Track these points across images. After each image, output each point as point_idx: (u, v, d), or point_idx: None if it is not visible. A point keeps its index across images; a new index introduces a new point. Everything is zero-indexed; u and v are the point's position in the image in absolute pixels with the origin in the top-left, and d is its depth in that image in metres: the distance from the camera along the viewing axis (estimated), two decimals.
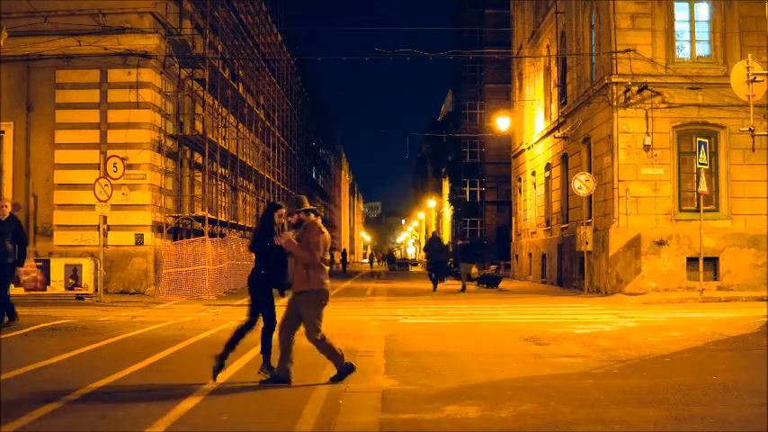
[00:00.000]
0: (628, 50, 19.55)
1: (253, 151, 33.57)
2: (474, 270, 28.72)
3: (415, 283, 28.29)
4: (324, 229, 7.47)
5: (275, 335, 7.52)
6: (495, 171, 48.15)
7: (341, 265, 57.21)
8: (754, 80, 13.87)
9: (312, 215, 7.49)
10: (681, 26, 20.19)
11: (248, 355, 9.08)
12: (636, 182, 19.62)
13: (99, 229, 18.70)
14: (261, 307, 7.62)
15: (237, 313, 15.23)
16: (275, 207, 7.75)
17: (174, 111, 23.03)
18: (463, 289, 23.66)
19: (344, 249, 70.20)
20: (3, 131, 20.63)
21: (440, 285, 24.23)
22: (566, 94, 25.43)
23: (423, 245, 31.71)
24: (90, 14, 20.32)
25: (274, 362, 7.48)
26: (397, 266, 56.23)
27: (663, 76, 19.61)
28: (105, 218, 18.29)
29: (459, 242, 30.72)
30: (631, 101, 19.61)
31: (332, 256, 61.04)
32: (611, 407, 6.32)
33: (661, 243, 19.30)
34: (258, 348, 9.74)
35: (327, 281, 7.43)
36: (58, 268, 18.26)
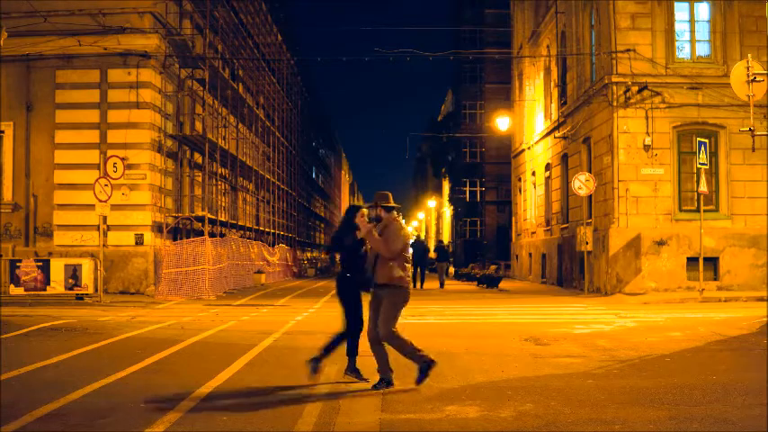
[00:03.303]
0: (628, 50, 19.55)
1: (253, 151, 33.58)
2: (452, 270, 32.39)
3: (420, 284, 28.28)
4: (405, 228, 7.38)
5: (364, 340, 7.45)
6: (495, 171, 48.10)
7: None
8: (754, 80, 13.87)
9: (394, 213, 7.40)
10: (681, 26, 20.19)
11: (248, 356, 9.09)
12: (636, 182, 19.62)
13: (99, 229, 18.71)
14: (352, 310, 7.52)
15: (237, 313, 15.24)
16: (356, 209, 7.59)
17: (173, 111, 23.03)
18: (441, 285, 26.09)
19: None
20: (3, 131, 20.64)
21: (427, 284, 26.41)
22: (566, 94, 25.43)
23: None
24: (90, 14, 20.33)
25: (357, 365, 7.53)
26: None
27: (663, 76, 19.61)
28: (105, 218, 18.29)
29: (441, 243, 32.46)
30: (631, 101, 19.61)
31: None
32: (611, 407, 6.32)
33: (661, 243, 19.30)
34: (257, 351, 9.75)
35: (408, 279, 7.34)
36: (57, 268, 18.23)
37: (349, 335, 7.58)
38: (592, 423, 5.83)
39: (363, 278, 7.35)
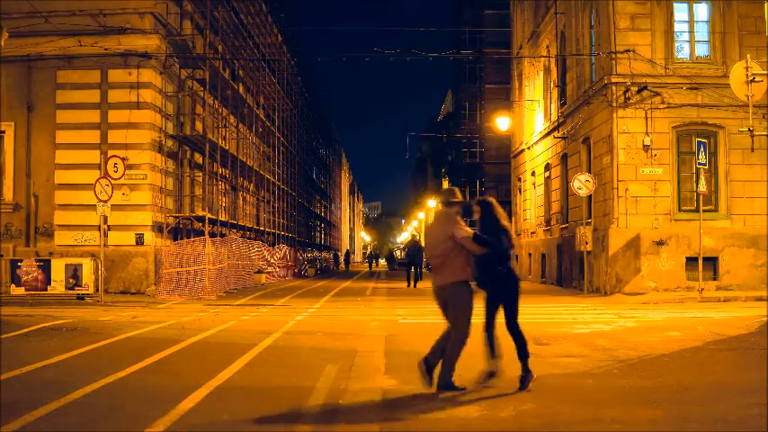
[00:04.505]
0: (627, 51, 19.56)
1: (253, 151, 33.60)
2: None
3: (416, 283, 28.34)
4: (437, 222, 7.17)
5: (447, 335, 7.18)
6: (494, 171, 48.07)
7: (344, 265, 57.62)
8: (753, 80, 13.92)
9: (449, 208, 7.15)
10: (680, 26, 20.20)
11: (248, 355, 9.10)
12: (635, 182, 19.64)
13: (99, 229, 18.73)
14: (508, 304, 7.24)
15: (237, 313, 15.26)
16: (489, 204, 7.39)
17: (174, 111, 23.05)
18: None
19: (347, 250, 70.34)
20: (3, 131, 20.67)
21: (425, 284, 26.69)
22: (565, 94, 25.45)
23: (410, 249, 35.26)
24: (90, 15, 20.37)
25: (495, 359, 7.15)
26: (396, 266, 56.20)
27: (662, 77, 19.62)
28: (106, 218, 18.31)
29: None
30: (631, 101, 19.62)
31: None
32: (611, 407, 6.33)
33: (660, 243, 19.32)
34: (257, 350, 9.77)
35: (466, 273, 7.05)
36: (58, 268, 18.29)
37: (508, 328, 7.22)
38: (591, 423, 5.85)
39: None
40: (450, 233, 6.93)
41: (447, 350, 6.93)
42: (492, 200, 7.32)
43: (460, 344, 6.95)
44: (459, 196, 7.23)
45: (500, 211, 7.22)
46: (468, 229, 7.03)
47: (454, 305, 7.03)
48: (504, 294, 7.14)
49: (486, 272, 7.05)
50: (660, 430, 5.68)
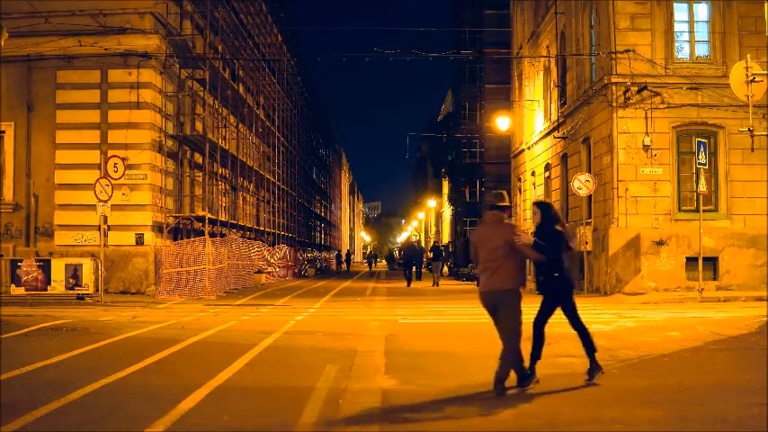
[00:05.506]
0: (627, 51, 19.55)
1: (253, 151, 33.60)
2: (446, 270, 34.74)
3: (414, 283, 28.41)
4: (488, 225, 7.20)
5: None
6: (494, 171, 48.00)
7: (345, 265, 57.74)
8: (753, 80, 13.92)
9: (498, 213, 7.17)
10: (680, 26, 20.19)
11: (248, 355, 9.11)
12: (635, 182, 19.64)
13: (99, 229, 18.74)
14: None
15: (237, 313, 15.26)
16: (548, 205, 7.56)
17: (174, 111, 23.06)
18: (435, 284, 27.49)
19: (348, 251, 70.46)
20: (3, 131, 20.68)
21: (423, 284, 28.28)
22: (565, 94, 25.44)
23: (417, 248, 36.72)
24: (90, 15, 20.39)
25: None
26: (396, 266, 56.26)
27: (662, 77, 19.62)
28: (106, 218, 18.31)
29: (436, 244, 35.25)
30: (631, 101, 19.62)
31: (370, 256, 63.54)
32: (611, 407, 6.34)
33: (660, 243, 19.32)
34: (257, 350, 9.76)
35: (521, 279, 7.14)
36: (58, 268, 18.29)
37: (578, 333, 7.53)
38: (592, 423, 5.85)
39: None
40: (509, 239, 6.96)
41: (502, 359, 6.89)
42: (550, 202, 7.48)
43: (513, 352, 6.95)
44: (508, 200, 7.31)
45: (558, 213, 7.43)
46: (525, 235, 7.24)
47: (505, 313, 7.07)
48: (557, 299, 7.51)
49: (542, 277, 7.35)
50: (660, 430, 5.68)
